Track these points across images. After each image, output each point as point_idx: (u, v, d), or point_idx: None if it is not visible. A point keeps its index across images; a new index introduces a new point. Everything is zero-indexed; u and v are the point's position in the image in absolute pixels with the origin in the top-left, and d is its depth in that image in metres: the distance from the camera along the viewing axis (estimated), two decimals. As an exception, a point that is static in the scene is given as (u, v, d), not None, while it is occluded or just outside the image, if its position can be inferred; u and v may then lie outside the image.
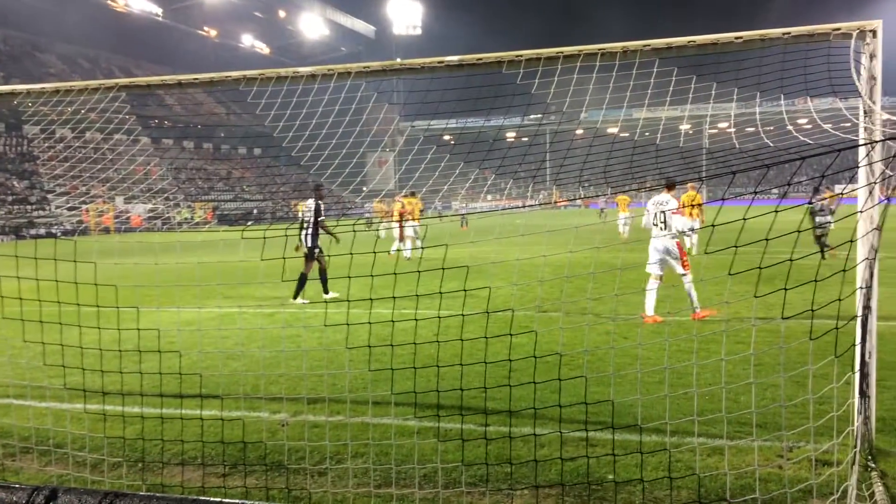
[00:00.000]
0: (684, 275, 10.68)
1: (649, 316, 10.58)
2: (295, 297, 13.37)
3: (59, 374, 6.25)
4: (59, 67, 79.44)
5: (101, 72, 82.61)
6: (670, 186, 11.21)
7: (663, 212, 10.83)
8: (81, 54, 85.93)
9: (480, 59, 5.97)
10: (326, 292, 13.63)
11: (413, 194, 23.65)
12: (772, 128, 6.29)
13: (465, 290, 5.03)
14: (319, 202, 13.57)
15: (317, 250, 13.35)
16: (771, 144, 5.93)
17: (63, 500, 1.66)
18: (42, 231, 46.06)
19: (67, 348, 5.59)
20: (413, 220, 22.27)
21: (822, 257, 16.11)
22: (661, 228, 10.87)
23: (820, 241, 17.97)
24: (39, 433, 5.97)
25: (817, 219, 18.55)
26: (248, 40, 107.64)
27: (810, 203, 16.64)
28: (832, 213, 18.89)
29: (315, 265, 13.53)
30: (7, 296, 5.29)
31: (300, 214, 14.00)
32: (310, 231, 13.29)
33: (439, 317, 5.68)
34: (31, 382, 7.42)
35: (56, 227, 45.58)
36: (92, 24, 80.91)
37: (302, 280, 13.24)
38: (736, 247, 3.88)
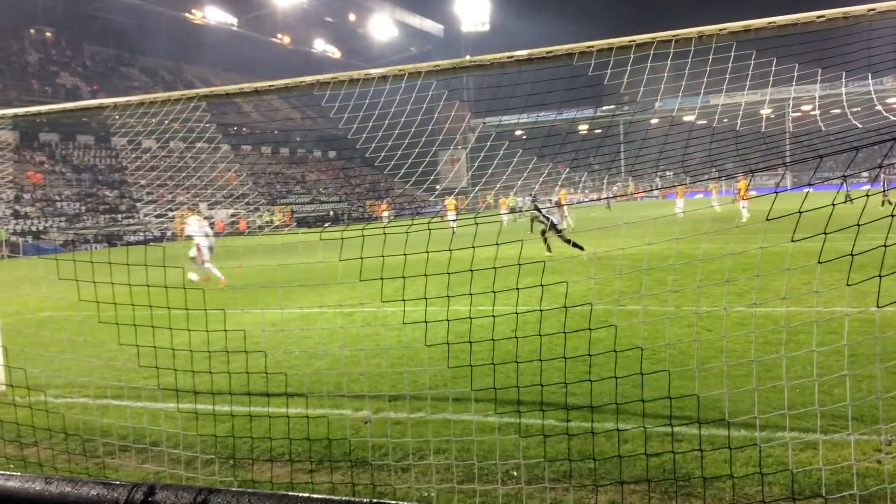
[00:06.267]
0: None
1: None
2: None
3: (153, 374, 6.50)
4: (142, 80, 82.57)
5: (181, 83, 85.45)
6: None
7: None
8: (163, 66, 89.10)
9: (550, 52, 5.92)
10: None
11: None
12: (859, 109, 6.02)
13: (542, 286, 5.01)
14: None
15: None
16: (859, 126, 5.68)
17: (161, 496, 1.73)
18: (132, 238, 47.95)
19: (160, 350, 5.82)
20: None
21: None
22: None
23: (543, 235, 20.00)
24: (136, 432, 6.23)
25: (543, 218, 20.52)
26: (319, 45, 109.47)
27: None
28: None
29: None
30: (103, 301, 5.54)
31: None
32: None
33: (517, 312, 5.65)
34: (127, 384, 7.75)
35: (144, 233, 47.38)
36: (172, 37, 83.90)
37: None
38: (825, 233, 3.73)
